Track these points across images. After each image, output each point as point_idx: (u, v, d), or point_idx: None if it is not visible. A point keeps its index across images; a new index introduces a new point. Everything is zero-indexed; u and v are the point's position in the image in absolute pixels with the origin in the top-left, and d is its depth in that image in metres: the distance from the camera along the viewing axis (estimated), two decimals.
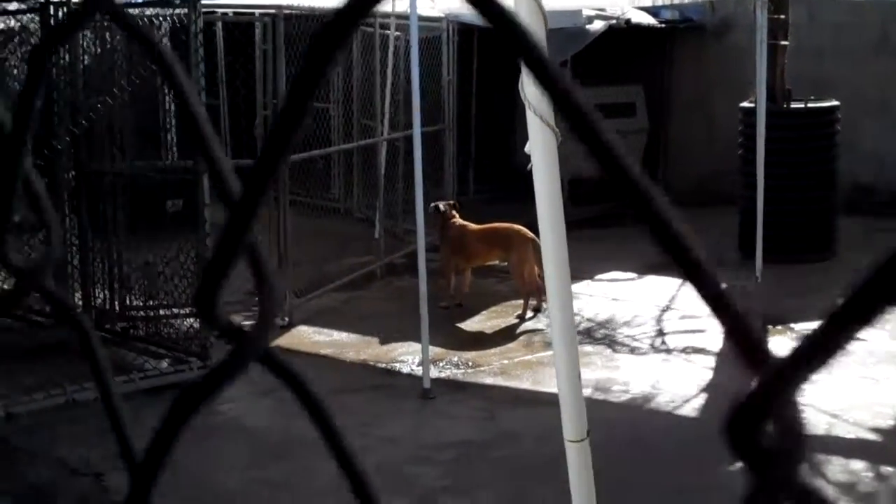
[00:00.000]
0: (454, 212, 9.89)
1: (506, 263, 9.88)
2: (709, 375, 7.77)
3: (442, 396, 7.27)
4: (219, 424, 6.81)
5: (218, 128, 15.33)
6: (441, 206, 9.80)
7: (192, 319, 7.71)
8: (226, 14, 12.14)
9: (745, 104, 11.59)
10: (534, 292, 9.58)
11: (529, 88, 2.61)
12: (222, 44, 15.13)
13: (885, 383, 7.36)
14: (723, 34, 14.82)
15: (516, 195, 15.54)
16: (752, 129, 10.69)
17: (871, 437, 6.41)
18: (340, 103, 14.10)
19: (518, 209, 14.45)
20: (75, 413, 6.79)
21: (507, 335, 8.88)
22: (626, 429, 6.58)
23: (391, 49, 12.12)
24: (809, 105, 11.41)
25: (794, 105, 11.31)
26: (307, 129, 11.13)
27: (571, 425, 2.63)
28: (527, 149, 2.69)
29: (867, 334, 8.44)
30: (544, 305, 9.63)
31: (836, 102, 11.52)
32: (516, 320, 9.31)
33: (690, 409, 7.02)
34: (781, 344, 8.36)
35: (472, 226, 9.81)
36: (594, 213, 14.37)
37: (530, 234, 9.65)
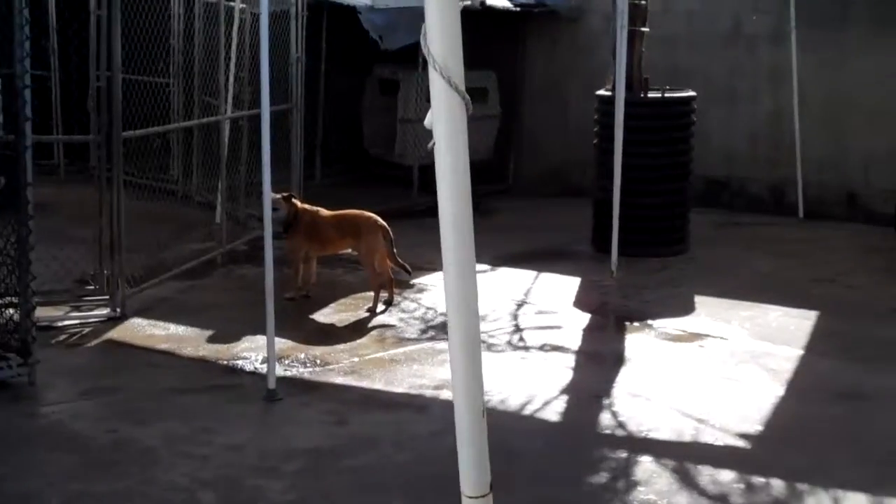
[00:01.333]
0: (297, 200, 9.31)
1: (356, 253, 9.39)
2: (568, 375, 7.43)
3: (289, 398, 6.73)
4: (39, 430, 6.15)
5: (48, 101, 14.41)
6: (288, 194, 9.20)
7: (11, 310, 6.98)
8: None
9: (602, 92, 11.33)
10: (385, 284, 9.13)
11: (436, 44, 2.13)
12: (54, 8, 14.24)
13: (747, 384, 7.14)
14: (577, 19, 14.59)
15: (365, 181, 15.17)
16: (609, 118, 10.43)
17: (740, 443, 6.15)
18: (181, 78, 13.36)
19: (367, 195, 14.01)
20: None
21: (357, 330, 8.39)
22: (490, 435, 6.17)
23: (236, 22, 11.45)
24: (667, 95, 11.23)
25: (650, 94, 11.09)
26: (144, 105, 10.43)
27: (472, 475, 2.16)
28: (427, 121, 2.21)
29: (728, 334, 8.25)
30: (396, 298, 9.17)
31: (692, 93, 11.37)
32: (367, 314, 8.82)
33: (553, 412, 6.65)
34: (642, 341, 8.11)
35: (324, 211, 9.27)
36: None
37: (381, 222, 9.18)
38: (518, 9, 14.25)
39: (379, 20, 13.45)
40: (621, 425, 6.38)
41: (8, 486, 5.30)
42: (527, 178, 15.11)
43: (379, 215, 9.40)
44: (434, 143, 2.21)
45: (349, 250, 9.53)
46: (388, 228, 9.15)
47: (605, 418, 6.52)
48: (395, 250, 9.15)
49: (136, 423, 6.21)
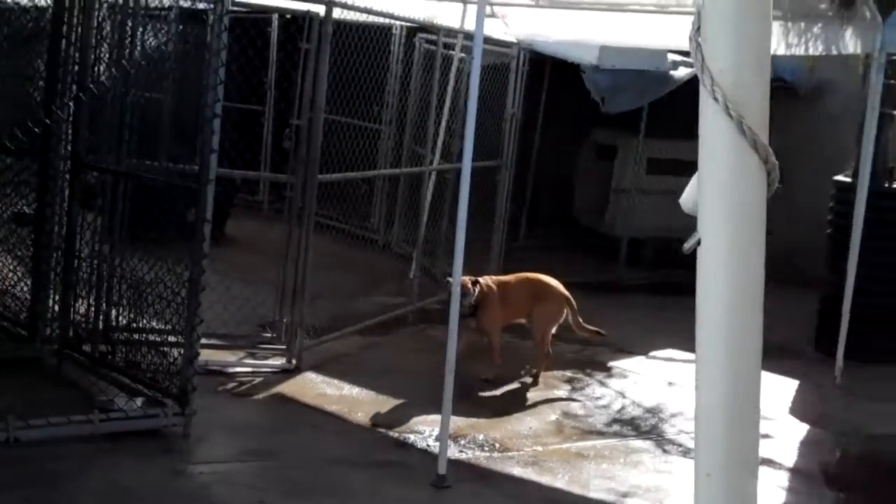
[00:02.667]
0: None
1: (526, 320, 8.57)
2: (780, 498, 6.45)
3: (459, 485, 6.00)
4: (181, 494, 5.58)
5: (259, 137, 14.23)
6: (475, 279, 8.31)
7: (177, 352, 6.51)
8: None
9: (841, 178, 10.28)
10: (541, 357, 8.34)
11: (721, 62, 1.36)
12: (275, 39, 14.04)
13: None
14: (815, 99, 13.51)
15: (570, 248, 14.39)
16: (847, 207, 9.43)
17: None
18: (394, 125, 12.96)
19: (571, 263, 13.23)
20: (11, 454, 5.59)
21: (543, 413, 7.60)
22: None
23: (453, 71, 10.92)
24: None
25: None
26: (353, 149, 9.98)
27: None
28: (687, 198, 1.48)
29: None
30: (584, 380, 8.37)
31: None
32: (558, 395, 8.03)
33: None
34: (853, 457, 7.05)
35: (504, 277, 8.51)
36: (654, 278, 13.10)
37: (565, 291, 8.41)
38: None
39: (603, 81, 12.71)
40: None
41: None
42: None
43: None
44: (696, 243, 1.46)
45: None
46: (572, 299, 8.37)
47: None
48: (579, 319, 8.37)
49: (287, 496, 5.58)
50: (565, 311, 8.36)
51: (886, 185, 9.95)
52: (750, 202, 1.39)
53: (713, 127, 1.40)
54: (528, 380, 8.31)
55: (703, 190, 1.41)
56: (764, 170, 1.42)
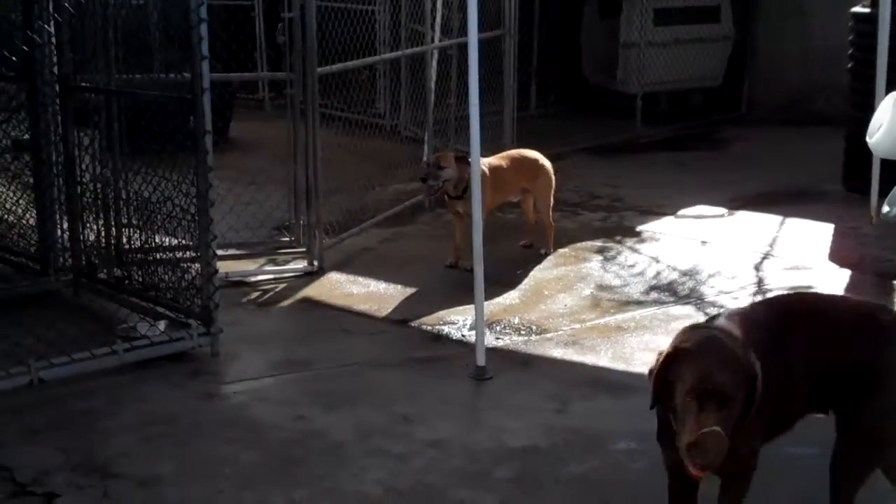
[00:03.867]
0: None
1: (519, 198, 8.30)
2: None
3: (500, 375, 5.81)
4: (216, 417, 5.40)
5: (251, 35, 13.78)
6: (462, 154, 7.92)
7: (195, 269, 6.28)
8: None
9: (858, 9, 9.86)
10: (550, 230, 8.10)
11: None
12: None
13: None
14: None
15: (583, 111, 14.02)
16: (868, 39, 9.05)
17: None
18: (387, 4, 12.50)
19: (586, 127, 12.90)
20: (39, 397, 5.42)
21: (576, 288, 7.37)
22: None
23: None
24: None
25: None
26: (346, 35, 9.59)
27: None
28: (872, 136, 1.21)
29: None
30: (616, 248, 8.15)
31: None
32: (581, 265, 7.81)
33: None
34: None
35: (493, 158, 8.09)
36: (672, 132, 12.77)
37: (549, 163, 8.15)
38: None
39: None
40: None
41: (169, 491, 4.56)
42: (762, 106, 13.67)
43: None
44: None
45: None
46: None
47: None
48: None
49: (327, 409, 5.39)
50: (553, 179, 8.11)
51: None
52: None
53: None
54: (563, 255, 8.06)
55: None
56: None
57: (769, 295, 7.15)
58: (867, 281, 7.50)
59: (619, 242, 8.42)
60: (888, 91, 8.51)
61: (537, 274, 7.70)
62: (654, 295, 7.22)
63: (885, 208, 1.33)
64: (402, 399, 5.52)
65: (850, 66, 9.89)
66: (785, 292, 6.58)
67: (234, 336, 6.27)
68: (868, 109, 8.74)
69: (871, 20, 9.09)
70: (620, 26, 13.01)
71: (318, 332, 6.61)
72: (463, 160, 7.49)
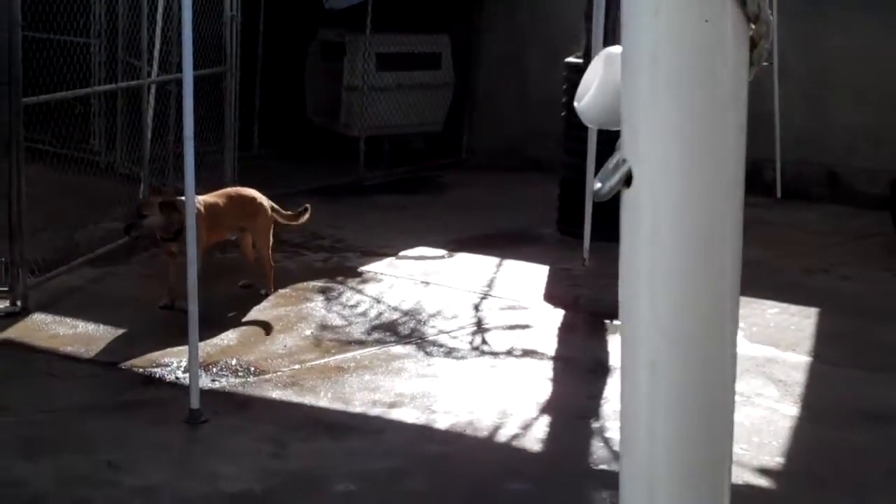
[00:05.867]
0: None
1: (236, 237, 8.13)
2: (546, 388, 6.37)
3: (216, 419, 5.60)
4: None
5: None
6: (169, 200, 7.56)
7: None
8: None
9: (572, 59, 10.25)
10: (270, 269, 7.98)
11: None
12: None
13: (756, 402, 6.12)
14: None
15: (307, 153, 13.92)
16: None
17: (762, 482, 5.13)
18: (104, 37, 12.05)
19: (309, 169, 12.80)
20: None
21: (296, 329, 7.24)
22: (460, 471, 5.08)
23: None
24: None
25: None
26: (60, 67, 9.17)
27: None
28: (590, 103, 1.17)
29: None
30: (338, 289, 8.06)
31: None
32: (303, 306, 7.68)
33: (534, 439, 5.57)
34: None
35: (207, 197, 7.86)
36: (394, 176, 12.85)
37: (266, 199, 8.03)
38: None
39: None
40: (617, 457, 5.32)
41: None
42: (482, 152, 13.98)
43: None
44: (623, 175, 1.09)
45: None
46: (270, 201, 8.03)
47: (598, 448, 5.46)
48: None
49: (27, 458, 5.03)
50: (272, 217, 7.98)
51: None
52: (724, 93, 0.96)
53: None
54: (270, 297, 7.89)
55: (631, 80, 0.98)
56: (747, 34, 0.97)
57: (489, 334, 7.26)
58: (580, 319, 7.72)
59: (342, 283, 8.35)
60: (600, 137, 8.91)
61: (257, 314, 7.52)
62: (375, 335, 7.17)
63: (597, 184, 1.33)
64: (110, 445, 5.22)
65: (563, 114, 10.23)
66: None
67: None
68: (581, 157, 9.08)
69: (582, 70, 9.42)
70: (344, 69, 13.03)
71: (19, 375, 6.20)
72: (170, 206, 7.24)
